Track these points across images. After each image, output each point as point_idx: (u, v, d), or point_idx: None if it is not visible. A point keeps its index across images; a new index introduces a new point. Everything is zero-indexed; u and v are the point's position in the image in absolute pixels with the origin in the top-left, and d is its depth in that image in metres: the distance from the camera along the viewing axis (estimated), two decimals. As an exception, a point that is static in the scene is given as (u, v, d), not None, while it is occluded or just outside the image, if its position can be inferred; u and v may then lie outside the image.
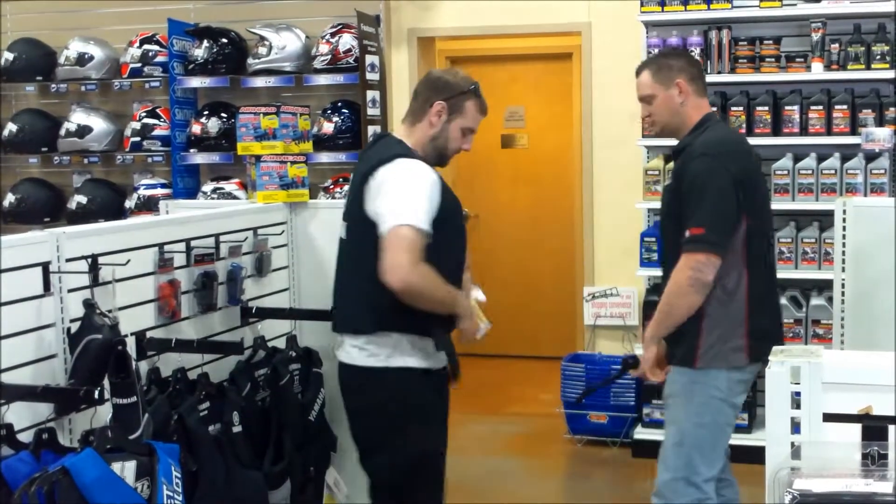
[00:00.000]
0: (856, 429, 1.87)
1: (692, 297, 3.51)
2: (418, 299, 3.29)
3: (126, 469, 2.71)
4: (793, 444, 1.92)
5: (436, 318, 3.39)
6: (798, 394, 1.95)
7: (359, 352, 3.44)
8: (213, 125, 6.10)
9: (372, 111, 5.77)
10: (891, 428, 1.85)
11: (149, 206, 6.10)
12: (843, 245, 3.84)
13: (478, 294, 3.72)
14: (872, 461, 1.80)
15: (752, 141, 4.62)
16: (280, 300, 4.27)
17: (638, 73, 3.83)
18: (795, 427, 1.93)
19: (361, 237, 3.39)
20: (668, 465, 3.69)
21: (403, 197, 3.29)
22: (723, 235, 3.50)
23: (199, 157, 6.16)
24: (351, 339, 3.46)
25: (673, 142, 5.91)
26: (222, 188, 6.03)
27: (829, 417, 1.91)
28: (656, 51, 5.90)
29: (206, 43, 6.14)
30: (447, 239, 3.40)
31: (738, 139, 3.94)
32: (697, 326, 3.57)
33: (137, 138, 6.32)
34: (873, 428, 1.85)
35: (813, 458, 1.86)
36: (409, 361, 3.40)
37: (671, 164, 5.98)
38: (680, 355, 3.64)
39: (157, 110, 6.33)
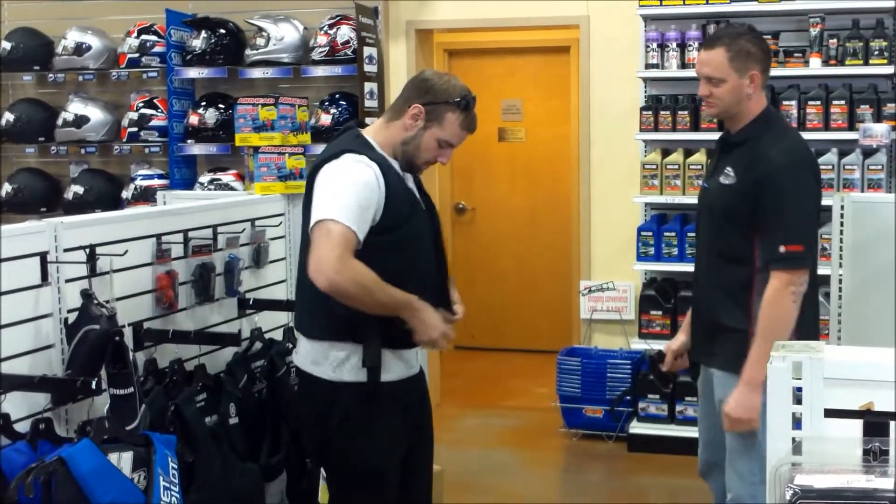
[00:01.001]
0: (857, 425, 1.87)
1: (796, 312, 3.39)
2: (352, 300, 3.01)
3: (123, 460, 2.72)
4: (794, 439, 1.92)
5: (376, 327, 3.11)
6: (799, 389, 1.94)
7: (305, 355, 3.25)
8: (211, 116, 6.08)
9: (369, 103, 5.75)
10: (892, 424, 1.85)
11: (146, 196, 6.08)
12: (841, 241, 3.85)
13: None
14: (874, 457, 1.80)
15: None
16: (277, 291, 4.27)
17: (710, 46, 3.49)
18: (796, 423, 1.93)
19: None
20: (743, 473, 3.49)
21: (331, 192, 3.05)
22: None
23: (196, 148, 6.14)
24: (301, 339, 3.29)
25: (669, 138, 6.03)
26: (219, 179, 6.01)
27: (830, 413, 1.90)
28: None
29: (204, 34, 6.12)
30: (390, 246, 3.12)
31: (805, 142, 3.72)
32: (748, 330, 3.43)
33: (135, 129, 6.29)
34: (875, 424, 1.85)
35: (814, 453, 1.85)
36: (353, 376, 3.15)
37: (670, 156, 6.00)
38: (726, 359, 3.49)
39: (155, 101, 6.31)
